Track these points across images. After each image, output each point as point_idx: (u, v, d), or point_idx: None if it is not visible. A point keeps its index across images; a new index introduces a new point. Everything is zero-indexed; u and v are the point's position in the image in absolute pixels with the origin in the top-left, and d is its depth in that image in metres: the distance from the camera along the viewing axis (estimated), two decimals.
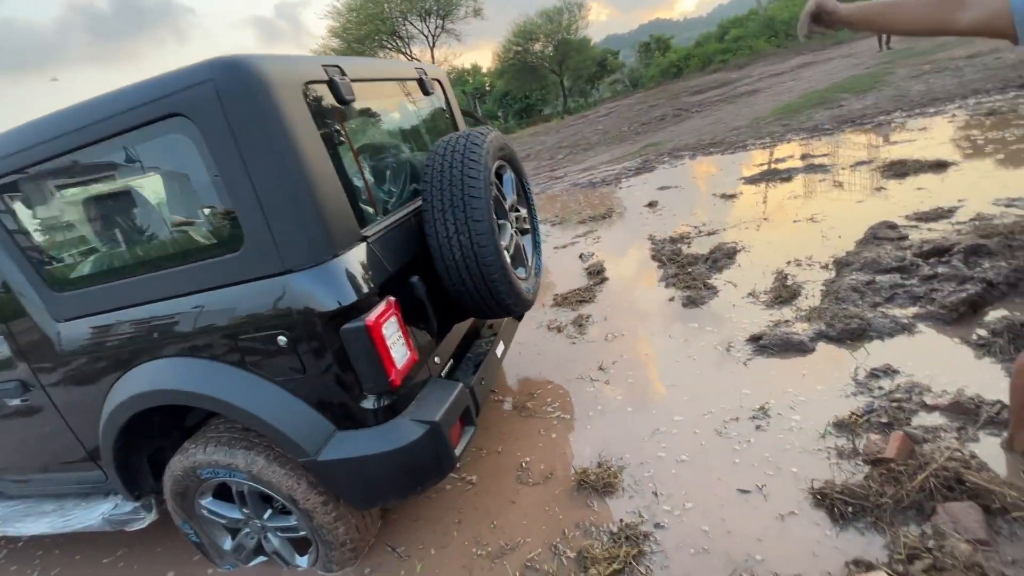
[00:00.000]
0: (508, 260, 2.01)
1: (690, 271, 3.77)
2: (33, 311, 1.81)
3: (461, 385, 1.86)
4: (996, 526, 1.48)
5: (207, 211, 1.68)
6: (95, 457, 2.03)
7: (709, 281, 3.56)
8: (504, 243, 2.05)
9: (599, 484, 2.02)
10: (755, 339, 2.72)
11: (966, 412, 1.91)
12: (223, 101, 1.40)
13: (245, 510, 1.94)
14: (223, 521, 2.00)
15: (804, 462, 1.89)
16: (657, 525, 1.81)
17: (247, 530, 2.02)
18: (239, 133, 1.42)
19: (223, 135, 1.42)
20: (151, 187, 1.90)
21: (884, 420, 1.96)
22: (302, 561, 2.02)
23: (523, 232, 2.43)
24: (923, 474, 1.62)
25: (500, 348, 2.43)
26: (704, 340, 2.90)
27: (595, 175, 8.95)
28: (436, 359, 1.95)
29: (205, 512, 1.98)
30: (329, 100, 1.70)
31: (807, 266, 3.41)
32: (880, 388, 2.16)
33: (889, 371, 2.24)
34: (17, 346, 1.88)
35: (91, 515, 2.12)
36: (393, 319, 1.66)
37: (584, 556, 1.73)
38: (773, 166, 6.20)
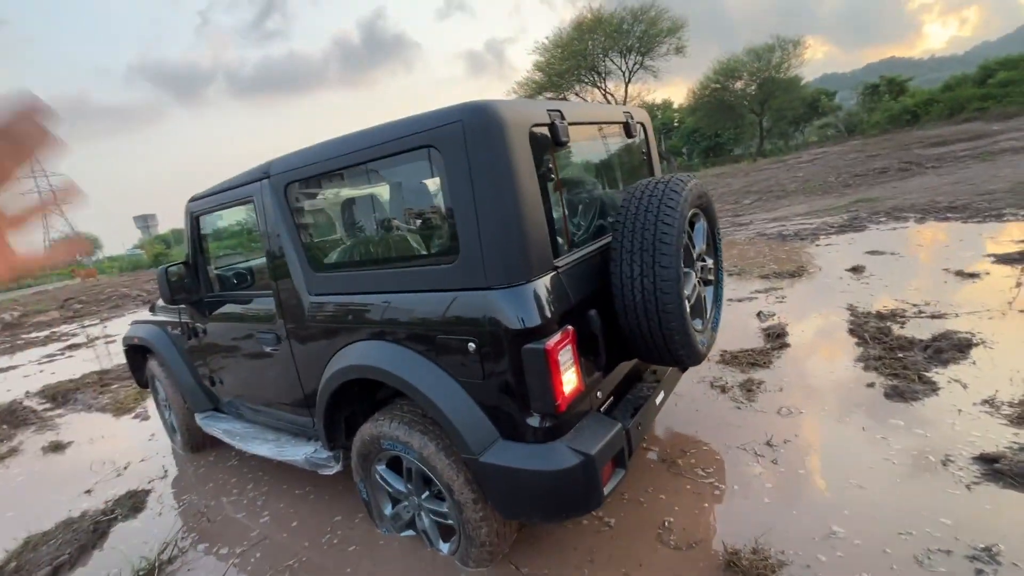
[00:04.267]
0: (688, 310, 1.97)
1: (901, 357, 3.19)
2: (296, 282, 2.33)
3: (620, 426, 1.87)
4: None
5: (433, 226, 1.98)
6: (310, 405, 2.51)
7: (927, 374, 2.96)
8: (686, 292, 2.01)
9: (752, 573, 1.83)
10: (988, 459, 2.18)
11: None
12: (467, 137, 1.66)
13: (409, 485, 2.20)
14: (390, 489, 2.30)
15: None
16: None
17: (406, 503, 2.29)
18: (473, 164, 1.66)
19: (461, 164, 1.68)
20: (392, 200, 2.30)
21: None
22: (444, 547, 2.21)
23: (706, 283, 2.35)
24: None
25: (660, 396, 2.37)
26: (911, 444, 2.42)
27: (787, 227, 8.12)
28: (598, 393, 1.99)
29: (378, 478, 2.30)
30: (547, 140, 1.89)
31: None
32: None
33: None
34: (280, 305, 2.43)
35: (298, 453, 2.61)
36: (568, 347, 1.75)
37: None
38: None
